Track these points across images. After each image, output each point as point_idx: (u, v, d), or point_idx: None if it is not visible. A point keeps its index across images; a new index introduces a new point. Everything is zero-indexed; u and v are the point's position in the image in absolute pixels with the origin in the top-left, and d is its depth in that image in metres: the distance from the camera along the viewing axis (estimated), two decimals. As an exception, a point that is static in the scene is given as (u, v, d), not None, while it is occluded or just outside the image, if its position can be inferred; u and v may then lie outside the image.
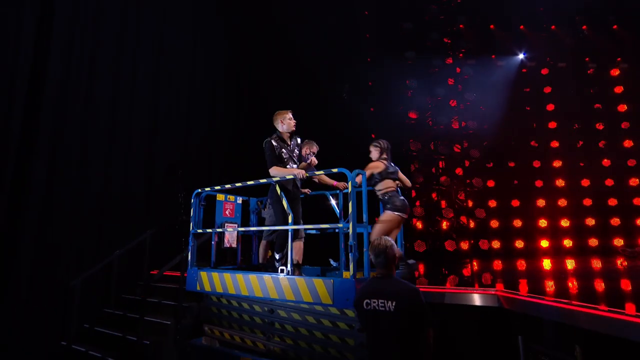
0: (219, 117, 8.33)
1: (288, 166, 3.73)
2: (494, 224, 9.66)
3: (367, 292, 2.28)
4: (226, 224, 4.49)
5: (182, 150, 7.44)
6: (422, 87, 9.61)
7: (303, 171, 3.49)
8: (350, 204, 2.97)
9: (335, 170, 3.16)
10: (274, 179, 3.57)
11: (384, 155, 3.99)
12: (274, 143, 3.77)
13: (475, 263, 8.51)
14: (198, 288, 4.01)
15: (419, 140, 9.32)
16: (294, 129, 3.87)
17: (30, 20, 5.34)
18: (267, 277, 3.40)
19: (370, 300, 2.21)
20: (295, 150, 3.92)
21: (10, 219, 5.05)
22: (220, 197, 4.54)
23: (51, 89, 5.51)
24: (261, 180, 3.69)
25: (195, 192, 4.24)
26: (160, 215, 6.58)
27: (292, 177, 3.55)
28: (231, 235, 4.53)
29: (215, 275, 3.84)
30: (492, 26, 10.38)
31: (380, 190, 3.88)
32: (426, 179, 9.29)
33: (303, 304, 3.33)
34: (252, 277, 3.51)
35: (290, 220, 3.35)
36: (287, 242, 3.41)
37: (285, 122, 3.82)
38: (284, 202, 3.43)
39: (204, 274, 3.95)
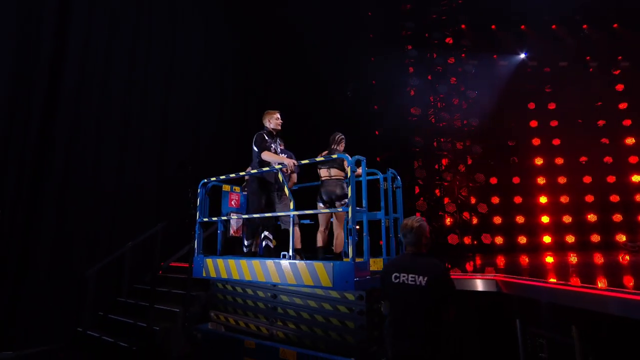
0: (228, 115, 8.43)
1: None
2: (497, 220, 9.73)
3: (397, 266, 2.33)
4: (232, 214, 4.60)
5: (191, 147, 7.58)
6: (425, 85, 9.72)
7: (293, 161, 3.63)
8: (349, 189, 3.08)
9: (334, 156, 3.27)
10: (276, 167, 3.68)
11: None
12: (265, 136, 4.06)
13: (478, 257, 8.59)
14: (204, 274, 4.13)
15: (422, 137, 9.42)
16: (280, 128, 4.17)
17: (48, 29, 5.53)
18: (269, 262, 3.51)
19: (399, 274, 2.27)
20: (280, 146, 4.26)
21: (29, 212, 5.25)
22: (226, 188, 4.66)
23: (68, 87, 5.69)
24: (263, 169, 3.80)
25: (202, 182, 4.37)
26: (170, 209, 6.72)
27: (280, 166, 3.70)
28: (236, 224, 4.65)
29: (220, 262, 3.96)
30: (493, 26, 10.48)
31: None
32: (429, 175, 9.38)
33: (304, 288, 3.45)
34: (255, 262, 3.62)
35: (292, 207, 3.47)
36: (258, 230, 3.78)
37: (272, 121, 4.12)
38: (286, 189, 3.54)
39: (209, 261, 4.07)
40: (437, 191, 9.40)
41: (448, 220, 9.10)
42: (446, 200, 9.42)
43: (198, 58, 7.95)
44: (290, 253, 3.42)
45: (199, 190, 4.34)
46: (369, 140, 8.94)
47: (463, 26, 10.18)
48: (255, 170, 3.95)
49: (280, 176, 3.64)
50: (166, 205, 6.84)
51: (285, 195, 3.89)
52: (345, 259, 3.31)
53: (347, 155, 3.22)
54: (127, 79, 6.58)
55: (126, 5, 6.59)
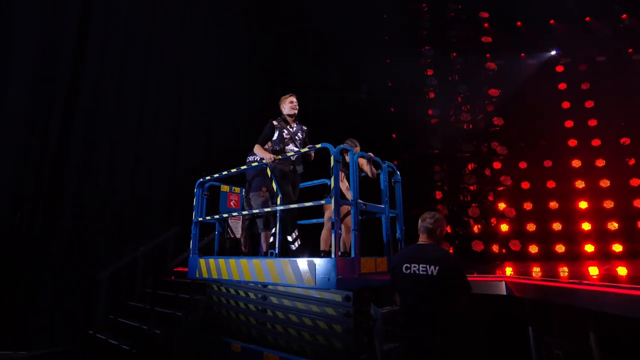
0: (241, 119, 8.48)
1: (288, 147, 3.76)
2: (531, 227, 8.97)
3: (407, 257, 2.34)
4: (230, 219, 4.51)
5: (204, 152, 7.67)
6: (445, 85, 9.33)
7: (272, 156, 3.49)
8: (332, 179, 2.86)
9: (319, 145, 3.08)
10: (266, 162, 3.54)
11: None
12: (275, 123, 3.85)
13: (510, 267, 7.94)
14: (197, 275, 4.03)
15: (442, 140, 8.98)
16: (295, 111, 3.89)
17: (67, 46, 5.83)
18: (256, 260, 3.34)
19: (410, 265, 2.27)
20: (299, 134, 3.90)
21: (46, 217, 5.45)
22: (224, 188, 4.59)
23: (85, 97, 5.94)
24: (253, 164, 3.68)
25: (198, 181, 4.32)
26: (183, 213, 6.74)
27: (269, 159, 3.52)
28: (235, 226, 4.54)
29: (211, 261, 3.85)
30: (519, 23, 9.92)
31: None
32: (451, 179, 8.89)
33: (293, 289, 3.23)
34: (243, 261, 3.47)
35: (279, 202, 3.30)
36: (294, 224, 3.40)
37: (286, 105, 3.88)
38: (274, 184, 3.39)
39: (202, 261, 3.97)
40: (460, 196, 8.85)
41: (474, 227, 8.50)
42: (472, 205, 8.84)
43: (210, 61, 8.10)
44: (277, 250, 3.24)
45: (195, 190, 4.29)
46: (385, 144, 8.64)
47: (486, 25, 9.72)
48: (255, 163, 3.80)
49: (268, 171, 3.49)
50: (179, 209, 6.89)
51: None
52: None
53: (330, 144, 3.02)
54: (141, 87, 6.78)
55: (139, 15, 6.83)
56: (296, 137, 3.84)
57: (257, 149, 3.70)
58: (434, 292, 2.18)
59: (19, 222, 5.19)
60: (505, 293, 3.09)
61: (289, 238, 3.54)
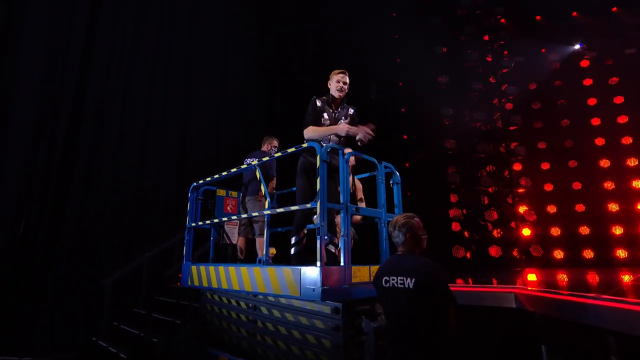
0: (250, 122, 8.40)
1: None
2: (555, 231, 8.41)
3: (386, 269, 2.18)
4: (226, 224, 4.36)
5: (212, 156, 7.60)
6: (459, 84, 8.93)
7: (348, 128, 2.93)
8: (318, 181, 2.64)
9: (305, 145, 2.87)
10: (255, 162, 3.32)
11: None
12: (318, 103, 3.22)
13: (534, 274, 7.44)
14: (189, 283, 3.88)
15: (456, 140, 8.57)
16: (343, 94, 3.24)
17: (74, 52, 5.87)
18: (243, 268, 3.15)
19: (389, 278, 2.12)
20: (342, 119, 3.25)
21: (52, 223, 5.46)
22: (221, 192, 4.45)
23: (91, 101, 5.96)
24: (252, 163, 3.44)
25: (192, 185, 4.19)
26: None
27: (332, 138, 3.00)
28: (231, 231, 4.38)
29: (202, 269, 3.69)
30: (538, 17, 9.41)
31: None
32: (466, 181, 8.45)
33: (283, 299, 3.01)
34: (231, 268, 3.29)
35: (266, 205, 3.09)
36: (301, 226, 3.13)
37: (332, 83, 3.27)
38: (262, 187, 3.19)
39: (194, 268, 3.82)
40: (476, 199, 8.40)
41: (491, 232, 8.03)
42: (490, 209, 8.37)
43: (219, 67, 8.06)
44: (264, 257, 3.04)
45: (189, 194, 4.16)
46: (396, 145, 8.32)
47: (502, 20, 9.27)
48: (255, 162, 3.38)
49: (257, 173, 3.30)
50: (185, 215, 6.83)
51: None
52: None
53: (316, 144, 2.79)
54: (148, 91, 6.77)
55: (147, 18, 6.84)
56: (339, 124, 3.18)
57: (311, 131, 3.06)
58: (413, 307, 1.99)
59: (25, 228, 5.22)
60: (514, 306, 2.76)
61: (292, 240, 3.25)
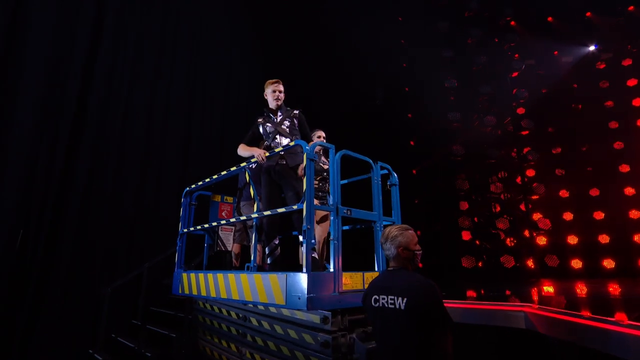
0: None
1: (274, 142, 3.22)
2: (572, 239, 7.98)
3: (376, 287, 1.97)
4: (220, 226, 4.21)
5: (215, 167, 7.46)
6: (467, 88, 8.70)
7: (262, 151, 2.98)
8: (304, 180, 2.46)
9: (292, 143, 2.71)
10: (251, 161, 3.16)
11: None
12: (259, 120, 3.42)
13: (550, 285, 7.05)
14: (180, 291, 3.73)
15: (465, 146, 8.30)
16: (280, 102, 3.33)
17: (77, 62, 5.81)
18: (231, 275, 2.98)
19: (379, 297, 1.91)
20: (286, 122, 3.28)
21: (51, 233, 5.31)
22: (216, 197, 4.31)
23: (93, 110, 5.87)
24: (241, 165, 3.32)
25: (185, 190, 4.07)
26: (191, 241, 6.52)
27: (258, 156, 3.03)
28: (226, 237, 4.23)
29: (192, 276, 3.54)
30: (550, 18, 9.15)
31: None
32: (477, 188, 8.15)
33: (273, 308, 2.82)
34: (220, 275, 3.12)
35: (256, 209, 2.93)
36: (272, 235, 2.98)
37: (269, 95, 3.37)
38: (251, 190, 3.04)
39: (184, 276, 3.68)
40: (488, 206, 8.07)
41: (504, 241, 7.67)
42: (502, 216, 8.02)
43: (224, 75, 8.00)
44: (252, 264, 2.86)
45: (182, 200, 4.04)
46: (403, 151, 8.10)
47: (512, 23, 9.04)
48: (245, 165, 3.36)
49: (247, 175, 3.15)
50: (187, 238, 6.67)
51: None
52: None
53: (303, 141, 2.64)
54: (150, 100, 6.71)
55: (149, 31, 6.81)
56: (282, 127, 3.25)
57: (241, 149, 3.27)
58: (404, 329, 1.78)
59: (23, 238, 5.12)
60: (524, 327, 2.48)
61: (265, 250, 3.13)
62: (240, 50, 8.43)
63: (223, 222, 3.41)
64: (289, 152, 3.11)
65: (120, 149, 6.21)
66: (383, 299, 1.87)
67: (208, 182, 3.77)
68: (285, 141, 3.19)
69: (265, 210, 2.97)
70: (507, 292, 7.08)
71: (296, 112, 3.39)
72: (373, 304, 1.92)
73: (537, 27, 9.08)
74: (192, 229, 3.86)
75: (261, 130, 3.36)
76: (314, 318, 2.48)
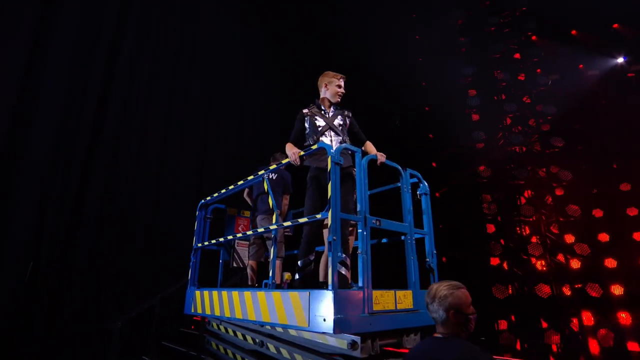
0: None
1: (326, 137, 2.87)
2: (610, 262, 7.37)
3: (415, 357, 1.66)
4: (237, 241, 3.99)
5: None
6: (490, 106, 8.46)
7: (297, 151, 2.68)
8: (329, 187, 2.23)
9: (314, 147, 2.51)
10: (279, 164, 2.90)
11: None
12: (305, 111, 3.02)
13: (589, 315, 6.47)
14: (193, 310, 3.48)
15: (491, 166, 7.96)
16: (339, 99, 3.05)
17: (93, 85, 5.65)
18: (247, 293, 2.72)
19: None
20: (338, 120, 2.98)
21: (62, 265, 5.01)
22: (232, 211, 4.11)
23: (106, 141, 5.66)
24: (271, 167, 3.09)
25: (200, 203, 3.89)
26: (206, 257, 6.20)
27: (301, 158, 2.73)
28: (243, 253, 3.99)
29: (206, 294, 3.29)
30: (573, 31, 8.94)
31: None
32: (504, 211, 7.72)
33: (292, 331, 2.54)
34: (235, 293, 2.86)
35: (274, 219, 2.70)
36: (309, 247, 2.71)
37: (331, 87, 3.03)
38: (270, 200, 2.82)
39: (197, 294, 3.43)
40: (517, 229, 7.60)
41: (535, 265, 7.14)
42: (532, 239, 7.53)
43: (239, 91, 7.91)
44: (270, 281, 2.60)
45: (197, 213, 3.86)
46: (425, 173, 7.78)
47: (533, 37, 8.87)
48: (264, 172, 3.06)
49: (265, 184, 2.95)
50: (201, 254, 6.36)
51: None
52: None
53: (328, 144, 2.43)
54: (164, 123, 6.51)
55: (167, 45, 6.80)
56: (334, 124, 2.93)
57: (287, 147, 2.89)
58: None
59: (33, 271, 4.85)
60: None
61: (298, 264, 2.80)
62: (255, 74, 8.38)
63: (239, 235, 3.17)
64: (344, 153, 2.69)
65: (133, 177, 5.94)
66: None
67: (224, 193, 3.59)
68: (336, 140, 2.86)
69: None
70: (544, 324, 6.51)
71: (349, 112, 3.15)
72: None
73: (560, 40, 8.86)
74: (206, 243, 3.64)
75: (307, 124, 2.98)
76: (340, 343, 2.18)
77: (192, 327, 4.99)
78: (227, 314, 2.90)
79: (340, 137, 2.89)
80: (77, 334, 4.93)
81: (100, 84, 5.70)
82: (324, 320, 2.02)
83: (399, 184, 2.86)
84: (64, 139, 5.23)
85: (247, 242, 4.07)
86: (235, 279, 4.08)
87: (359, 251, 2.28)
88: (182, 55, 7.10)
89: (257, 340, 2.89)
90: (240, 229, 4.13)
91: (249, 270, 3.90)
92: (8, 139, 4.63)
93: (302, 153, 2.63)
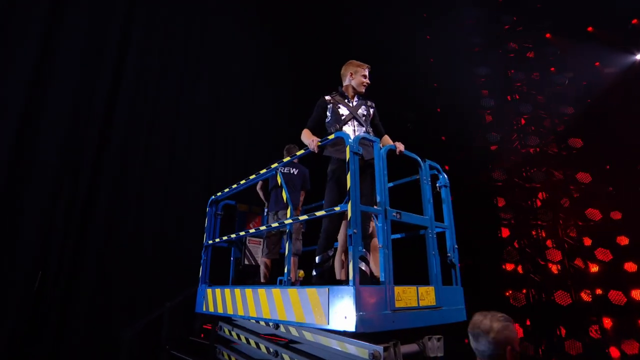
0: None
1: (349, 127, 2.75)
2: (630, 266, 7.11)
3: None
4: (248, 238, 3.90)
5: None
6: (504, 107, 8.29)
7: (316, 139, 2.53)
8: (348, 177, 2.13)
9: (331, 137, 2.41)
10: (303, 152, 2.70)
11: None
12: (327, 97, 2.88)
13: (608, 322, 6.23)
14: (204, 309, 3.38)
15: (506, 169, 7.78)
16: (363, 90, 2.92)
17: (100, 94, 5.58)
18: (261, 290, 2.62)
19: None
20: (362, 110, 2.86)
21: (70, 275, 4.95)
22: (242, 207, 4.03)
23: (114, 150, 5.59)
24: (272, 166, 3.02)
25: (211, 199, 3.81)
26: (216, 264, 6.08)
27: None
28: (255, 250, 3.90)
29: (217, 292, 3.19)
30: (590, 28, 8.74)
31: None
32: (519, 215, 7.52)
33: (307, 334, 2.40)
34: (248, 291, 2.76)
35: (288, 214, 2.60)
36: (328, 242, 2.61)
37: (356, 76, 2.88)
38: (284, 194, 2.72)
39: (209, 292, 3.33)
40: (532, 233, 7.39)
41: (553, 271, 6.92)
42: (547, 243, 7.32)
43: (248, 93, 7.88)
44: (285, 277, 2.50)
45: (207, 209, 3.77)
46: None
47: (547, 35, 8.71)
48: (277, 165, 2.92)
49: (278, 177, 2.85)
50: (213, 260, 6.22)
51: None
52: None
53: (346, 134, 2.33)
54: (172, 131, 6.47)
55: (174, 49, 6.72)
56: (358, 114, 2.82)
57: (304, 135, 2.75)
58: None
59: (42, 281, 4.77)
60: None
61: (316, 259, 2.71)
62: (266, 78, 8.31)
63: (252, 231, 3.08)
64: (364, 144, 2.55)
65: (141, 184, 5.90)
66: None
67: (235, 188, 3.50)
68: (359, 130, 2.74)
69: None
70: (563, 332, 6.25)
71: (372, 103, 3.03)
72: None
73: (575, 37, 8.65)
74: (217, 240, 3.55)
75: (329, 112, 2.83)
76: (361, 352, 2.01)
77: (202, 335, 4.88)
78: (240, 312, 2.80)
79: (364, 128, 2.78)
80: (86, 343, 4.85)
81: (107, 92, 5.63)
82: (345, 317, 1.90)
83: (416, 177, 2.74)
84: (71, 147, 5.16)
85: (259, 239, 3.97)
86: (251, 276, 3.96)
87: (380, 244, 2.16)
88: (190, 58, 7.06)
89: (272, 350, 2.75)
90: (251, 225, 4.04)
91: (262, 268, 3.79)
92: (16, 148, 4.56)
93: (320, 142, 2.52)
